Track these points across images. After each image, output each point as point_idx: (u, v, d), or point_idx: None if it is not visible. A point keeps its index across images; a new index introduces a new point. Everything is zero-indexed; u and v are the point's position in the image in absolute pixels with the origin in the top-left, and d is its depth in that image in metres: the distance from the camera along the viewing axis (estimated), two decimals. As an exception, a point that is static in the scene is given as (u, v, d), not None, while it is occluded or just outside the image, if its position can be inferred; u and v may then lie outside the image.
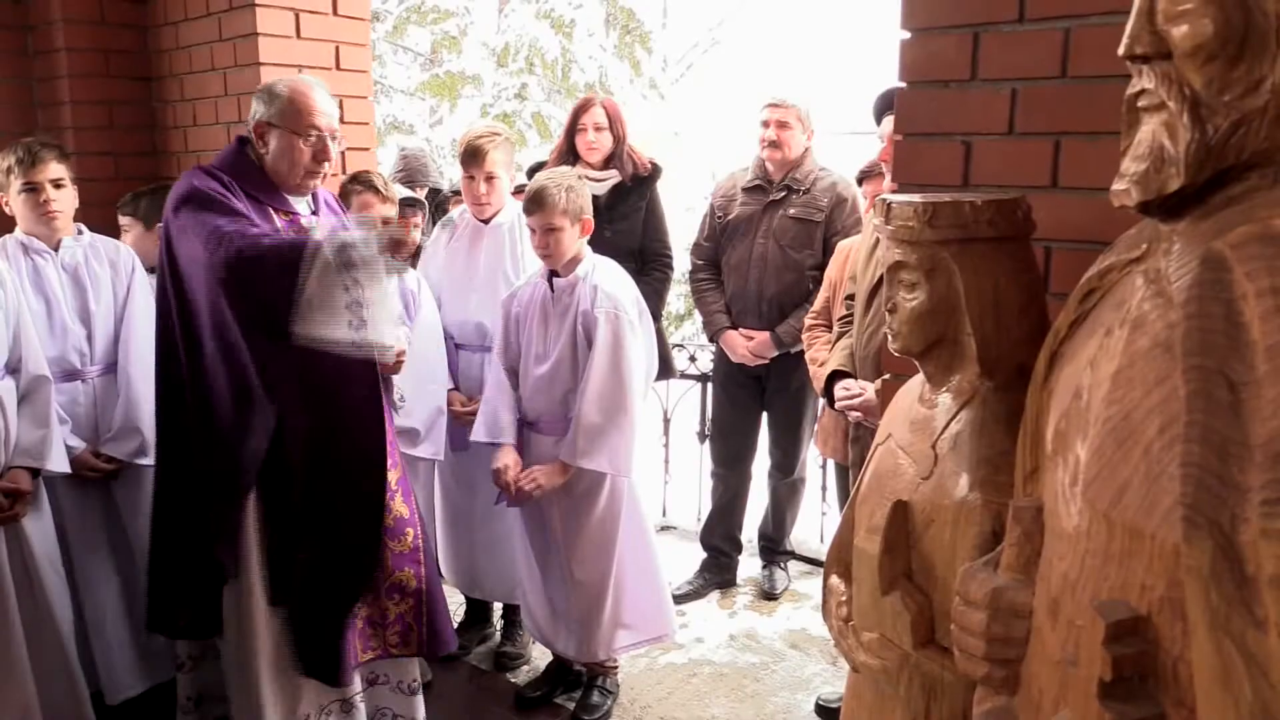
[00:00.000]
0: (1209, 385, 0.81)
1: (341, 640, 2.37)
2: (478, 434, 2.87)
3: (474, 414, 2.96)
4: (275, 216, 2.38)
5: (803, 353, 3.49)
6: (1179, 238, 0.94)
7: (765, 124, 3.49)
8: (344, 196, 2.99)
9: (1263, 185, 0.89)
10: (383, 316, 2.20)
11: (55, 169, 2.73)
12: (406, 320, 2.97)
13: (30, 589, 2.51)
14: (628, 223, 3.54)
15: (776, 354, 3.53)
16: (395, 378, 2.69)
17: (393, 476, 2.46)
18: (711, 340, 3.79)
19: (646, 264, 3.58)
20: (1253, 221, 0.84)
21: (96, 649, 2.77)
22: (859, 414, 2.76)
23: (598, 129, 3.50)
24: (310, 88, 2.39)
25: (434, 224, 3.81)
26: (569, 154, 3.58)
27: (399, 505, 2.48)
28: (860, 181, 3.41)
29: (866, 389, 2.73)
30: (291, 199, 2.44)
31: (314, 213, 2.48)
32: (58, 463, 2.51)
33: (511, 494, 2.76)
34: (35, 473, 2.49)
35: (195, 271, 2.27)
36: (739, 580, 3.90)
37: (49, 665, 2.54)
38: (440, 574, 3.33)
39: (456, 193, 3.79)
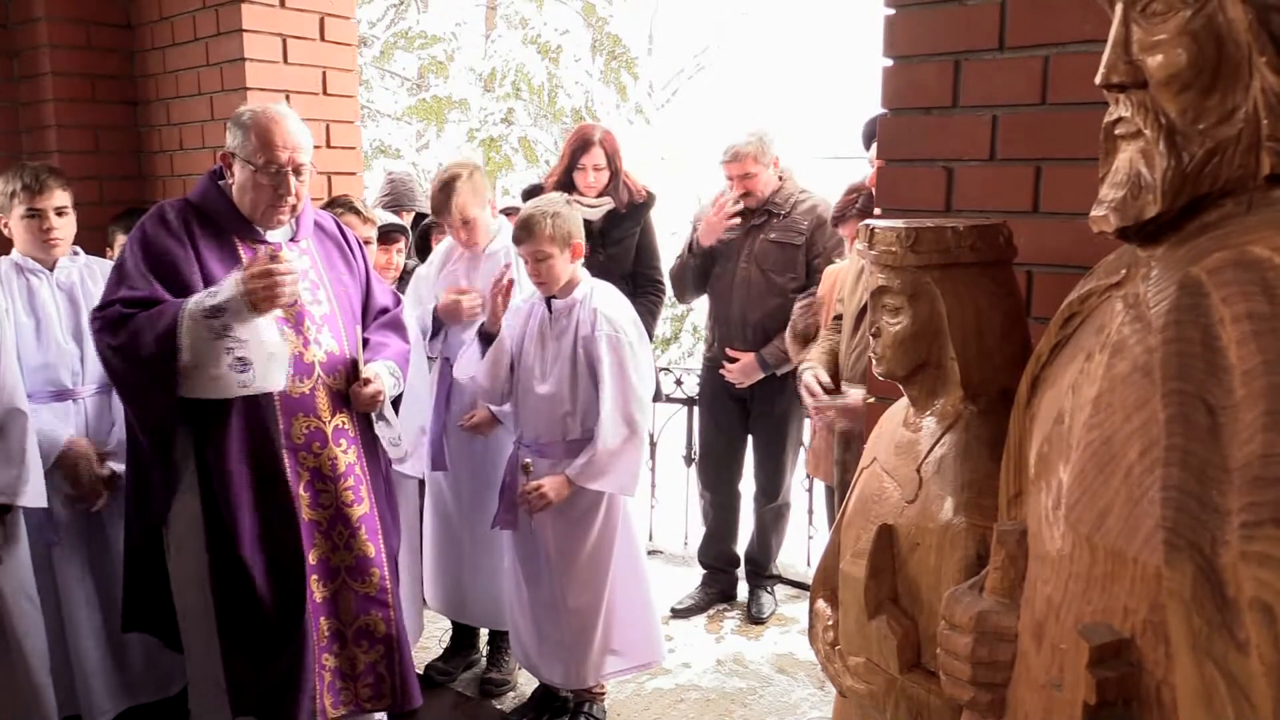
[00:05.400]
0: (1188, 409, 0.81)
1: (298, 692, 2.29)
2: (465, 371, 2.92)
3: (475, 425, 2.99)
4: (240, 247, 2.34)
5: (787, 376, 3.51)
6: (1157, 263, 0.95)
7: (729, 179, 3.52)
8: None
9: (1237, 212, 0.90)
10: (261, 358, 2.20)
11: (60, 197, 2.76)
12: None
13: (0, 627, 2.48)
14: (621, 248, 3.56)
15: (762, 376, 3.54)
16: (397, 418, 2.65)
17: (356, 511, 2.39)
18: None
19: (639, 288, 3.59)
20: (1228, 248, 0.85)
21: (76, 672, 2.74)
22: (831, 416, 2.77)
23: (597, 169, 3.52)
24: (275, 119, 2.31)
25: (418, 248, 3.82)
26: (566, 186, 3.59)
27: (363, 543, 2.40)
28: (836, 224, 3.35)
29: (849, 392, 2.74)
30: (264, 229, 2.40)
31: (294, 239, 2.42)
32: (32, 498, 2.46)
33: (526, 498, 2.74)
34: (6, 509, 2.45)
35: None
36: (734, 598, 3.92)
37: (21, 699, 2.51)
38: (424, 599, 3.32)
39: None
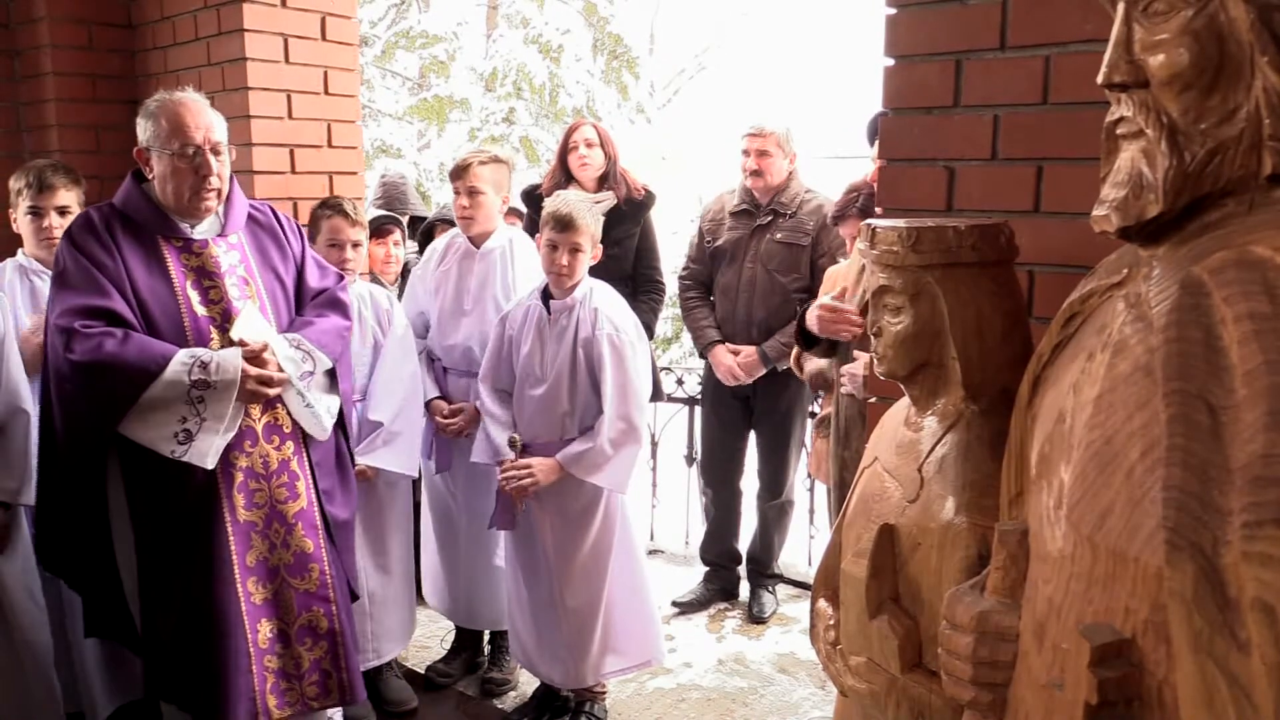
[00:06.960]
0: (1189, 409, 0.81)
1: (227, 690, 2.27)
2: (479, 456, 2.87)
3: (457, 425, 2.97)
4: (164, 247, 2.31)
5: (790, 373, 3.51)
6: (1158, 263, 0.95)
7: (746, 153, 3.55)
8: (314, 222, 2.97)
9: (1239, 211, 0.90)
10: (210, 440, 2.20)
11: (63, 196, 2.75)
12: (380, 336, 2.94)
13: (3, 624, 2.48)
14: (621, 248, 3.56)
15: (764, 372, 3.54)
16: (369, 410, 2.73)
17: (292, 508, 2.37)
18: (701, 355, 3.79)
19: (639, 288, 3.60)
20: (1230, 247, 0.85)
21: (77, 669, 2.74)
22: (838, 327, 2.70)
23: (589, 144, 3.56)
24: (182, 102, 2.28)
25: (423, 247, 3.81)
26: (563, 176, 3.60)
27: (300, 539, 2.38)
28: (836, 222, 3.35)
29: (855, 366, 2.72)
30: (191, 224, 2.35)
31: (222, 234, 2.37)
32: (34, 497, 2.45)
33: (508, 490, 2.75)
34: (7, 506, 2.46)
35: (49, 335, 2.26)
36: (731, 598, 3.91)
37: (26, 697, 2.51)
38: (422, 598, 3.32)
39: (443, 220, 3.79)
